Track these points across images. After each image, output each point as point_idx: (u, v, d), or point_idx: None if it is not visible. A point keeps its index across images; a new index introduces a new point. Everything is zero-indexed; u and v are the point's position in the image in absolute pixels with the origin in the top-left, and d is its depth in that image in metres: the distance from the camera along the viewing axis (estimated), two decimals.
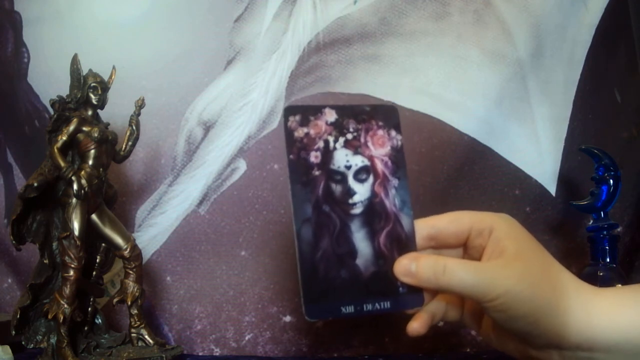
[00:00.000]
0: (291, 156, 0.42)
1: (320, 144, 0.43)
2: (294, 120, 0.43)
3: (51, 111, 0.74)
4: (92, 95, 0.76)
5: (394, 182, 0.45)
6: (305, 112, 0.43)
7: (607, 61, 0.95)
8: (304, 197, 0.42)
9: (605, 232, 0.79)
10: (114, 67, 0.79)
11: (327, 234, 0.42)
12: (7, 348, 0.74)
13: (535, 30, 0.92)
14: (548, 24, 0.92)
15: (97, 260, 0.80)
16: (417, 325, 0.45)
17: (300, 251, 0.41)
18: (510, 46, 0.92)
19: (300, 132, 0.43)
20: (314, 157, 0.43)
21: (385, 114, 0.46)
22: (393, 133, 0.46)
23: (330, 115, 0.44)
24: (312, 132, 0.43)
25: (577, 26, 0.94)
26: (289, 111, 0.43)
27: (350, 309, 0.42)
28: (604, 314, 0.44)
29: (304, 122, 0.43)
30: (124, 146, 0.80)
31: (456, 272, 0.42)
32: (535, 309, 0.42)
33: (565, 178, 0.93)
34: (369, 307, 0.42)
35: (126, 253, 0.76)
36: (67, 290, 0.71)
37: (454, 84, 0.93)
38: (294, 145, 0.42)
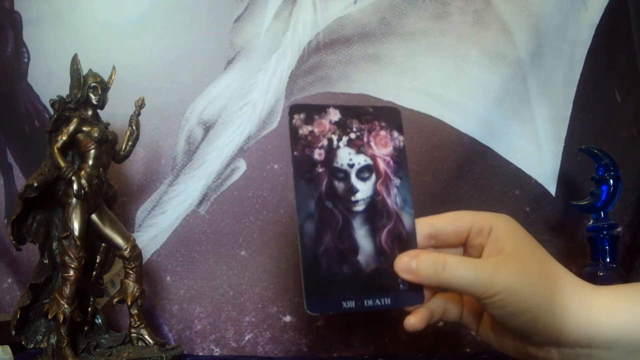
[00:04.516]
0: (295, 153, 0.43)
1: (324, 142, 0.44)
2: (298, 118, 0.43)
3: (51, 111, 0.74)
4: (92, 95, 0.76)
5: (396, 181, 0.46)
6: (310, 110, 0.44)
7: (607, 61, 0.95)
8: (307, 193, 0.43)
9: (605, 232, 0.79)
10: (114, 67, 0.79)
11: (329, 229, 0.43)
12: (7, 348, 0.74)
13: (535, 30, 0.92)
14: (548, 24, 0.92)
15: (97, 260, 0.80)
16: (414, 321, 0.46)
17: (302, 246, 0.42)
18: (510, 46, 0.92)
19: (304, 130, 0.43)
20: (318, 154, 0.43)
21: (388, 115, 0.47)
22: (395, 134, 0.46)
23: (334, 115, 0.45)
24: (316, 130, 0.44)
25: (577, 26, 0.94)
26: (294, 109, 0.44)
27: (351, 304, 0.42)
28: (602, 311, 0.44)
29: (309, 121, 0.44)
30: (124, 146, 0.80)
31: (456, 268, 0.43)
32: (535, 306, 0.43)
33: (565, 178, 0.93)
34: (370, 302, 0.43)
35: (126, 253, 0.76)
36: (67, 290, 0.71)
37: (454, 84, 0.93)
38: (299, 142, 0.43)
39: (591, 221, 0.82)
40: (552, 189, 0.93)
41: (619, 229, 0.87)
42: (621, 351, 0.44)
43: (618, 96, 0.95)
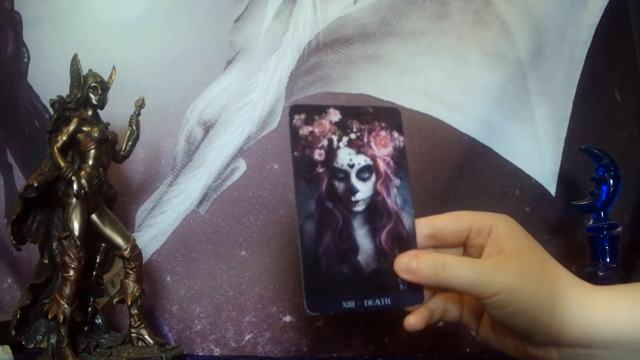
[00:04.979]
0: (296, 153, 0.43)
1: (325, 142, 0.44)
2: (299, 118, 0.44)
3: (51, 111, 0.74)
4: (92, 95, 0.76)
5: (396, 181, 0.46)
6: (310, 111, 0.44)
7: (607, 61, 0.95)
8: (307, 193, 0.43)
9: (605, 232, 0.79)
10: (114, 67, 0.79)
11: (329, 229, 0.43)
12: (7, 348, 0.74)
13: (535, 30, 0.92)
14: (548, 24, 0.92)
15: (97, 260, 0.80)
16: (414, 320, 0.46)
17: (303, 246, 0.42)
18: (510, 46, 0.92)
19: (305, 130, 0.44)
20: (318, 154, 0.43)
21: (388, 116, 0.47)
22: (395, 134, 0.47)
23: (335, 115, 0.45)
24: (316, 130, 0.44)
25: (577, 26, 0.94)
26: (295, 110, 0.44)
27: (351, 304, 0.43)
28: (602, 311, 0.44)
29: (309, 121, 0.44)
30: (124, 146, 0.80)
31: (456, 268, 0.43)
32: (534, 306, 0.43)
33: (565, 178, 0.93)
34: (370, 302, 0.43)
35: (126, 253, 0.76)
36: (67, 290, 0.71)
37: (454, 84, 0.93)
38: (299, 142, 0.43)
39: (591, 221, 0.82)
40: (552, 189, 0.93)
41: (619, 229, 0.87)
42: (621, 351, 0.44)
43: (618, 96, 0.95)
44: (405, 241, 0.45)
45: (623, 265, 0.85)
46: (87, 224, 0.74)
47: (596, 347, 0.44)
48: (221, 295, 0.93)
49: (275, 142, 0.95)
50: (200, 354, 0.92)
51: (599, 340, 0.44)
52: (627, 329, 0.43)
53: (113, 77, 0.79)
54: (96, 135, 0.74)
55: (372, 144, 0.45)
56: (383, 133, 0.46)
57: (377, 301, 0.43)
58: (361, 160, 0.45)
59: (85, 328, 0.78)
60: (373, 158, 0.45)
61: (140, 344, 0.76)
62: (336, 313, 0.42)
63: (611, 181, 0.79)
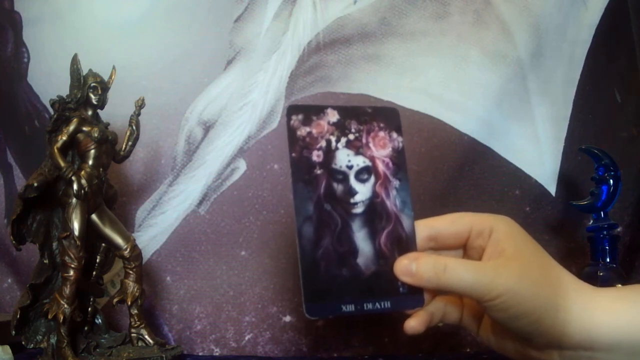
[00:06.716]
0: (293, 154, 0.42)
1: (323, 143, 0.43)
2: (296, 119, 0.43)
3: (51, 111, 0.74)
4: (92, 95, 0.76)
5: (395, 183, 0.45)
6: (308, 111, 0.43)
7: (607, 61, 0.94)
8: (305, 195, 0.42)
9: (605, 232, 0.78)
10: (114, 67, 0.79)
11: (328, 232, 0.42)
12: (7, 348, 0.74)
13: (535, 30, 0.92)
14: (548, 24, 0.92)
15: (97, 260, 0.80)
16: (414, 324, 0.46)
17: (301, 249, 0.41)
18: (510, 46, 0.92)
19: (302, 131, 0.43)
20: (316, 156, 0.43)
21: (387, 116, 0.46)
22: (394, 135, 0.46)
23: (333, 116, 0.44)
24: (314, 131, 0.43)
25: (577, 26, 0.93)
26: (292, 110, 0.43)
27: (350, 307, 0.42)
28: (604, 313, 0.44)
29: (307, 122, 0.43)
30: (124, 146, 0.80)
31: (457, 271, 0.43)
32: (536, 308, 0.42)
33: (565, 178, 0.93)
34: (369, 306, 0.43)
35: (126, 253, 0.76)
36: (67, 290, 0.71)
37: (454, 84, 0.93)
38: (297, 143, 0.43)
39: (591, 221, 0.82)
40: (552, 189, 0.93)
41: (619, 229, 0.87)
42: (623, 353, 0.43)
43: (618, 96, 0.95)
44: (404, 243, 0.44)
45: (623, 265, 0.85)
46: (87, 224, 0.74)
47: (598, 349, 0.44)
48: (221, 295, 0.93)
49: (275, 142, 0.95)
50: (200, 354, 0.92)
51: (602, 343, 0.43)
52: (629, 331, 0.43)
53: (113, 77, 0.79)
54: (96, 135, 0.74)
55: (371, 144, 0.45)
56: (382, 134, 0.45)
57: (377, 304, 0.43)
58: (360, 162, 0.44)
59: (85, 328, 0.78)
60: (372, 159, 0.44)
61: (140, 344, 0.76)
62: (336, 317, 0.42)
63: (611, 181, 0.79)
